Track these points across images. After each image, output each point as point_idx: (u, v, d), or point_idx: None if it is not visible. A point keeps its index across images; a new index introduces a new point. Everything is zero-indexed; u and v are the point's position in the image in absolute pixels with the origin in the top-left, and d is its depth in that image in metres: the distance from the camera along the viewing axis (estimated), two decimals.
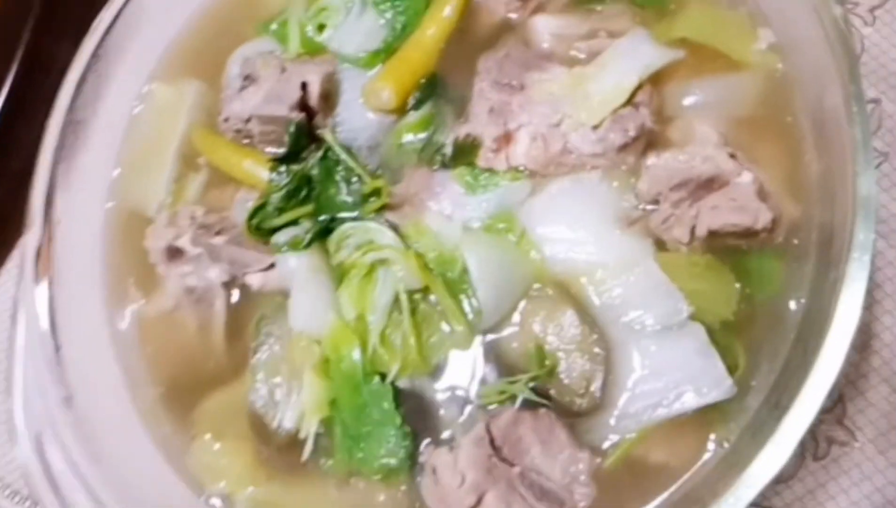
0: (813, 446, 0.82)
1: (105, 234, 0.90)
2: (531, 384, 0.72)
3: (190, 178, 0.90)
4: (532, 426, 0.71)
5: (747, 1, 0.80)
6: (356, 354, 0.74)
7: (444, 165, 0.81)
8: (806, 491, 0.82)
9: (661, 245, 0.75)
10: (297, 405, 0.76)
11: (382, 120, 0.85)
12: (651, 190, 0.74)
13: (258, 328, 0.80)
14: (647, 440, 0.71)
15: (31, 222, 0.80)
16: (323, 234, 0.80)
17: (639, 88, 0.76)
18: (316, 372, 0.75)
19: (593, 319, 0.73)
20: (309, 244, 0.79)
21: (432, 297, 0.76)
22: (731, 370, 0.70)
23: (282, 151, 0.84)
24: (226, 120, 0.87)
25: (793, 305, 0.71)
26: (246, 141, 0.87)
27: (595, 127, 0.76)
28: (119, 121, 0.93)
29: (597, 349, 0.72)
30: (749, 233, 0.71)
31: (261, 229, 0.82)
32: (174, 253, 0.84)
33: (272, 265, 0.82)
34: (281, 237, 0.80)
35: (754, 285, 0.72)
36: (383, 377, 0.74)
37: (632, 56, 0.77)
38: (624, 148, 0.76)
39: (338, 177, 0.83)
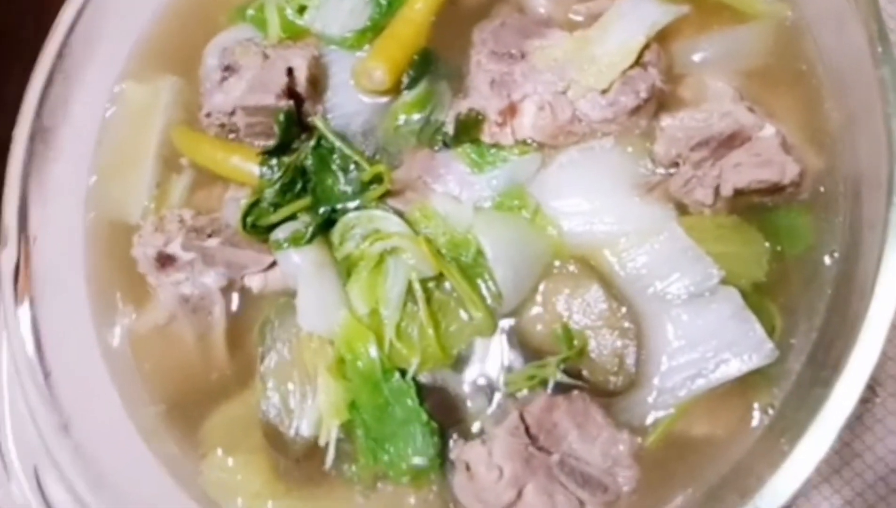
0: None
1: (87, 247, 0.84)
2: (561, 367, 0.68)
3: (173, 180, 0.84)
4: (567, 411, 0.67)
5: None
6: (373, 350, 0.70)
7: (446, 145, 0.77)
8: (831, 452, 0.79)
9: (682, 209, 0.72)
10: (314, 411, 0.72)
11: (376, 102, 0.81)
12: (669, 152, 0.71)
13: (263, 333, 0.75)
14: (688, 414, 0.68)
15: (5, 239, 0.74)
16: (325, 227, 0.76)
17: (646, 47, 0.73)
18: (331, 373, 0.70)
19: (620, 292, 0.70)
20: (311, 239, 0.74)
21: (447, 284, 0.73)
22: (769, 332, 0.67)
23: (271, 143, 0.79)
24: (207, 115, 0.81)
25: (827, 259, 0.68)
26: (231, 136, 0.82)
27: (604, 91, 0.72)
28: (91, 125, 0.87)
29: (627, 324, 0.69)
30: (776, 189, 0.68)
31: (257, 226, 0.77)
32: (165, 260, 0.78)
33: (273, 264, 0.77)
34: (280, 233, 0.75)
35: (784, 243, 0.69)
36: (403, 373, 0.70)
37: (635, 15, 0.73)
38: (636, 111, 0.72)
39: (334, 166, 0.78)
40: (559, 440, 0.66)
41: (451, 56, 0.80)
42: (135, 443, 0.76)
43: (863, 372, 0.57)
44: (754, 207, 0.71)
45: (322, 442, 0.71)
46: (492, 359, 0.72)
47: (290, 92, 0.79)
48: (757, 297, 0.68)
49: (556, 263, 0.72)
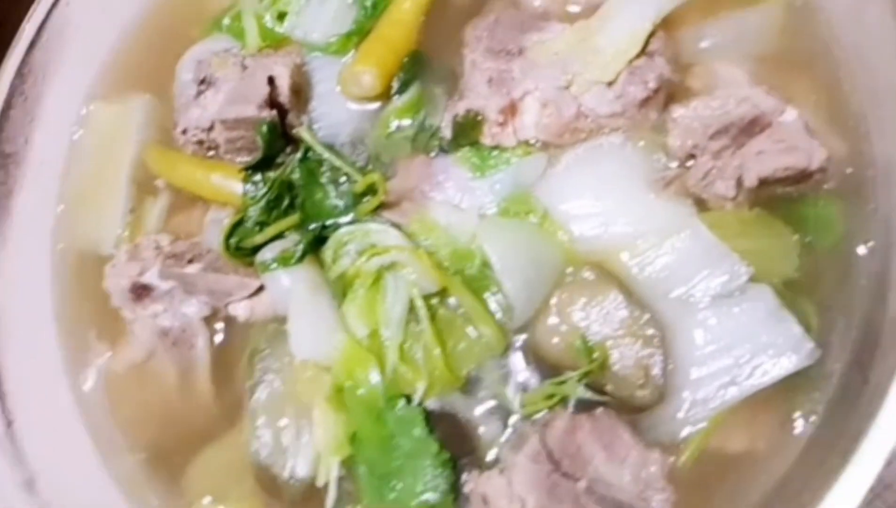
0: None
1: (54, 282, 0.78)
2: (582, 382, 0.62)
3: (148, 204, 0.79)
4: (591, 431, 0.61)
5: None
6: (374, 376, 0.64)
7: (444, 150, 0.73)
8: None
9: (702, 205, 0.67)
10: (310, 448, 0.66)
11: (365, 109, 0.76)
12: (685, 144, 0.66)
13: (252, 365, 0.69)
14: (723, 427, 0.62)
15: None
16: (316, 244, 0.70)
17: (651, 35, 0.69)
18: (329, 404, 0.64)
19: (641, 297, 0.65)
20: (302, 257, 0.68)
21: (452, 300, 0.67)
22: (805, 332, 0.61)
23: (255, 157, 0.74)
24: (183, 132, 0.77)
25: (861, 250, 0.64)
26: (210, 153, 0.78)
27: (610, 84, 0.68)
28: (57, 150, 0.82)
29: (650, 331, 0.64)
30: (802, 176, 0.64)
31: (241, 248, 0.72)
32: (140, 291, 0.72)
33: (260, 289, 0.71)
34: (267, 253, 0.69)
35: (814, 235, 0.65)
36: (409, 399, 0.64)
37: (638, 1, 0.69)
38: (645, 103, 0.68)
39: (323, 179, 0.73)
40: (585, 465, 0.60)
41: (443, 57, 0.76)
42: (111, 496, 0.69)
43: None
44: (778, 198, 0.66)
45: (321, 483, 0.64)
46: (505, 379, 0.66)
47: (273, 102, 0.74)
48: (789, 295, 0.63)
49: (570, 270, 0.67)
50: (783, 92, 0.67)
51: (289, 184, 0.73)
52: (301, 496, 0.65)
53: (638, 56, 0.68)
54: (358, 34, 0.78)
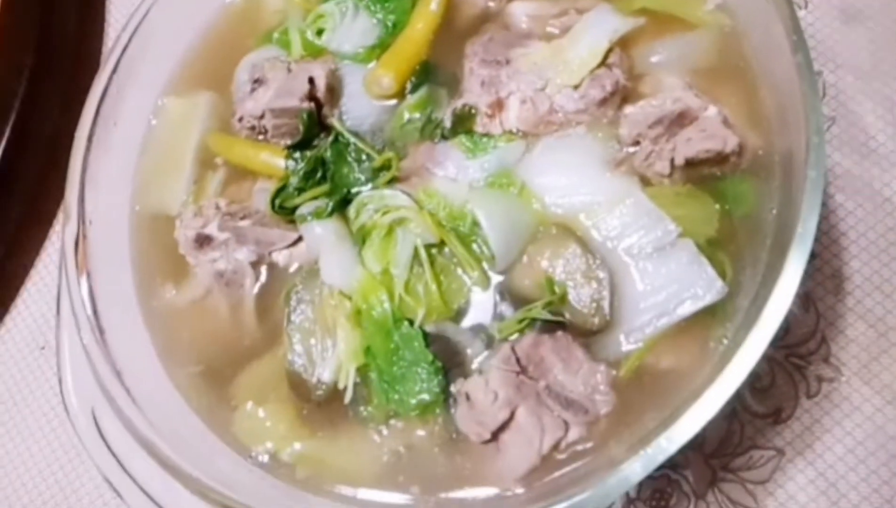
0: (805, 385, 0.89)
1: (132, 234, 0.95)
2: (547, 310, 0.79)
3: (208, 177, 0.96)
4: (552, 347, 0.77)
5: None
6: (385, 302, 0.81)
7: (444, 138, 0.90)
8: (804, 429, 0.88)
9: (645, 181, 0.83)
10: (334, 359, 0.82)
11: (384, 105, 0.94)
12: (631, 133, 0.84)
13: (289, 297, 0.86)
14: (655, 348, 0.77)
15: (69, 216, 0.86)
16: (342, 205, 0.88)
17: (610, 51, 0.86)
18: (349, 323, 0.81)
19: (594, 250, 0.81)
20: (331, 213, 0.86)
21: (447, 250, 0.83)
22: (721, 277, 0.78)
23: (296, 139, 0.92)
24: (240, 119, 0.95)
25: (767, 216, 0.80)
26: (260, 137, 0.95)
27: (576, 87, 0.86)
28: (137, 133, 1.00)
29: (601, 274, 0.79)
30: (721, 158, 0.81)
31: (283, 208, 0.89)
32: (203, 241, 0.90)
33: (297, 241, 0.88)
34: (305, 210, 0.87)
35: (732, 205, 0.81)
36: (411, 322, 0.81)
37: (600, 25, 0.87)
38: (603, 103, 0.86)
39: (349, 158, 0.91)
40: (546, 372, 0.76)
41: (447, 66, 0.93)
42: (173, 397, 0.86)
43: (785, 299, 0.68)
44: (705, 177, 0.82)
45: (341, 386, 0.81)
46: (487, 310, 0.82)
47: (312, 97, 0.92)
48: (710, 249, 0.79)
49: (541, 229, 0.83)
50: (711, 95, 0.84)
51: (322, 160, 0.90)
52: (325, 397, 0.81)
53: (599, 66, 0.85)
54: (380, 47, 0.96)
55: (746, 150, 0.82)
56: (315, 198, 0.89)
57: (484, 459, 0.77)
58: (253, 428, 0.84)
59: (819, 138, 0.72)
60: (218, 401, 0.86)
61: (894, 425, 0.86)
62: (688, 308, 0.77)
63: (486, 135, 0.88)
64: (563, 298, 0.80)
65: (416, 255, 0.83)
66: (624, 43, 0.89)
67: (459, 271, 0.83)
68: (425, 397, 0.78)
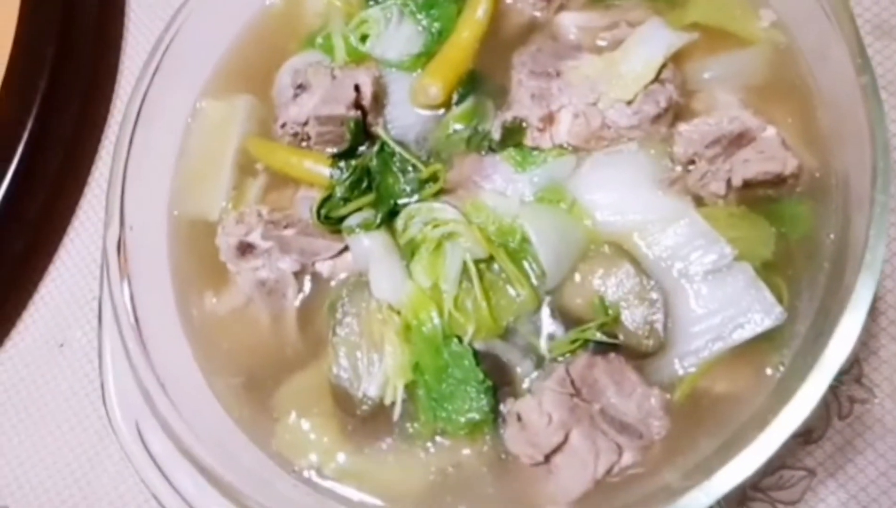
0: (837, 406, 0.88)
1: (171, 240, 0.94)
2: (600, 331, 0.78)
3: (249, 183, 0.95)
4: (605, 370, 0.76)
5: None
6: (435, 318, 0.79)
7: (492, 150, 0.88)
8: (835, 449, 0.87)
9: (699, 201, 0.82)
10: (380, 374, 0.81)
11: (430, 115, 0.92)
12: (687, 152, 0.82)
13: (335, 309, 0.85)
14: (710, 372, 0.76)
15: (111, 219, 0.85)
16: (389, 217, 0.87)
17: (663, 66, 0.85)
18: (398, 338, 0.80)
19: (648, 270, 0.80)
20: (380, 225, 0.85)
21: (496, 266, 0.82)
22: (779, 302, 0.77)
23: (341, 147, 0.91)
24: (283, 125, 0.93)
25: (825, 240, 0.79)
26: (303, 144, 0.93)
27: (629, 102, 0.84)
28: (175, 136, 0.99)
29: (654, 295, 0.78)
30: (779, 180, 0.80)
31: (329, 218, 0.88)
32: (245, 248, 0.89)
33: (342, 251, 0.87)
34: (352, 221, 0.86)
35: (788, 227, 0.80)
36: (460, 339, 0.79)
37: (654, 40, 0.86)
38: (657, 119, 0.84)
39: (395, 168, 0.90)
40: (599, 395, 0.75)
41: (494, 76, 0.92)
42: (214, 408, 0.85)
43: (852, 333, 0.66)
44: (760, 198, 0.81)
45: (388, 401, 0.80)
46: (537, 329, 0.81)
47: (358, 105, 0.90)
48: (765, 273, 0.78)
49: (592, 247, 0.82)
50: (766, 114, 0.83)
51: (367, 170, 0.89)
52: (371, 412, 0.80)
53: (652, 82, 0.84)
54: (426, 55, 0.94)
55: (803, 171, 0.81)
56: (360, 208, 0.88)
57: (534, 481, 0.76)
58: (294, 441, 0.83)
59: (885, 163, 0.71)
60: (259, 413, 0.85)
61: None
62: (745, 333, 0.76)
63: (536, 149, 0.87)
64: (616, 319, 0.79)
65: (465, 270, 0.82)
66: (677, 57, 0.87)
67: (508, 287, 0.82)
68: (475, 416, 0.77)
